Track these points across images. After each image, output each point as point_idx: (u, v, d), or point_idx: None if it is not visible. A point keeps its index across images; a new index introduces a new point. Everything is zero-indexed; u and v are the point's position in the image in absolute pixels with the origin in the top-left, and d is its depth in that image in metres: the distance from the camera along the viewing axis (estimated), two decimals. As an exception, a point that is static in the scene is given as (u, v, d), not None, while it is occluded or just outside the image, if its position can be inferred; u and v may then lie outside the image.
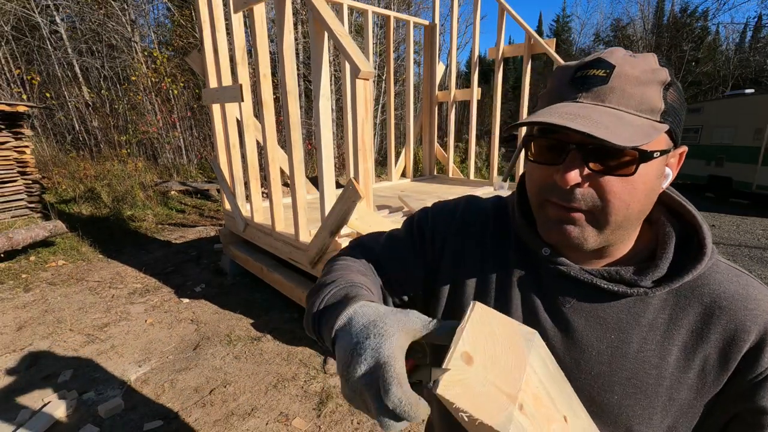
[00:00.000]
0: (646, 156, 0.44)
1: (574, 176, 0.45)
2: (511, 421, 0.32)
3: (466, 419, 0.33)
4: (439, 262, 0.65)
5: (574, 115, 0.43)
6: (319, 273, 2.68)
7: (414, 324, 0.41)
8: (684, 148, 0.50)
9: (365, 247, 0.70)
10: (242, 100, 2.91)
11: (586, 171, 0.45)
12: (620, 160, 0.44)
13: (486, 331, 0.39)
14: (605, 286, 0.51)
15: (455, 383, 0.34)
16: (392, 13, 4.65)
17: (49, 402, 2.16)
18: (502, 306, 0.58)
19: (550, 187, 0.48)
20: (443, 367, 0.35)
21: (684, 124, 0.48)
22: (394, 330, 0.40)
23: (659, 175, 0.48)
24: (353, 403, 0.40)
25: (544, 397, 0.38)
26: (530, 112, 0.55)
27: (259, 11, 2.60)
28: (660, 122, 0.44)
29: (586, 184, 0.46)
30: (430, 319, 0.43)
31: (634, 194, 0.46)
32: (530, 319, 0.56)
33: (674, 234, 0.52)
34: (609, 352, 0.51)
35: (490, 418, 0.32)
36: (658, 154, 0.45)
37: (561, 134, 0.46)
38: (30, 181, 5.71)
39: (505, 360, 0.37)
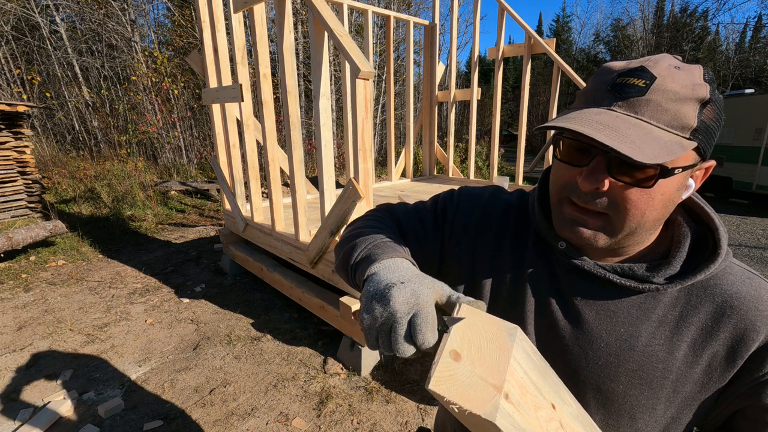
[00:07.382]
0: (667, 172, 0.45)
1: (595, 181, 0.47)
2: (497, 409, 0.35)
3: (456, 410, 0.36)
4: (455, 246, 0.67)
5: (603, 125, 0.44)
6: (319, 273, 2.70)
7: (443, 290, 0.49)
8: (712, 163, 0.50)
9: (393, 213, 0.73)
10: (242, 100, 2.91)
11: (608, 178, 0.47)
12: (641, 172, 0.45)
13: (472, 330, 0.42)
14: (617, 281, 0.53)
15: (445, 379, 0.37)
16: (392, 13, 4.65)
17: (48, 402, 2.16)
18: (516, 296, 0.60)
19: (572, 186, 0.50)
20: (434, 362, 0.39)
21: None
22: (431, 285, 0.48)
23: (680, 188, 0.49)
24: (372, 324, 0.46)
25: (530, 387, 0.41)
26: (564, 109, 0.56)
27: (259, 11, 2.60)
28: (689, 139, 0.45)
29: (605, 190, 0.47)
30: (455, 292, 0.49)
31: (651, 204, 0.47)
32: (542, 309, 0.58)
33: (690, 234, 0.53)
34: (617, 344, 0.53)
35: (478, 407, 0.35)
36: (680, 170, 0.46)
37: (590, 138, 0.47)
38: (30, 181, 5.71)
39: (491, 355, 0.40)
